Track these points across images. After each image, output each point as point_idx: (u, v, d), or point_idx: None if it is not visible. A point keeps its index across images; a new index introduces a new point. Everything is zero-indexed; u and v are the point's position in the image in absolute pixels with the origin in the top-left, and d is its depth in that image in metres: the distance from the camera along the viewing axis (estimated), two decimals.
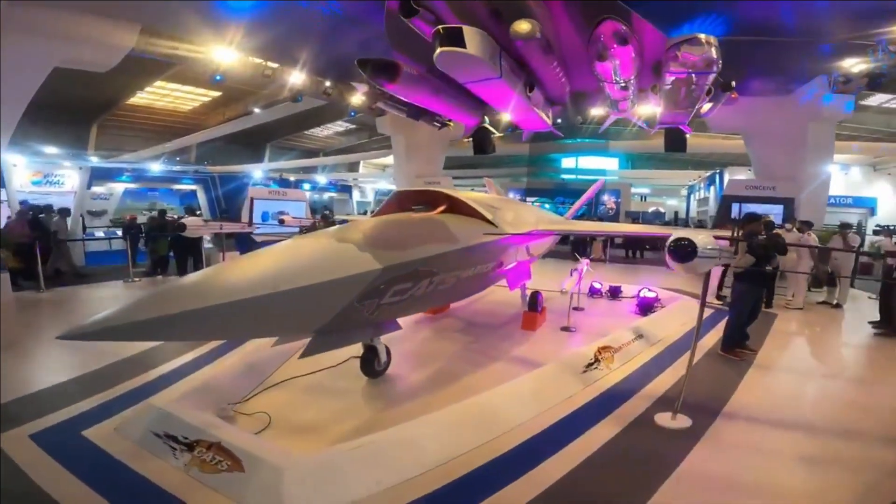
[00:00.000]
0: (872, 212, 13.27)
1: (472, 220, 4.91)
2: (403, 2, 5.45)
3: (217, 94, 18.59)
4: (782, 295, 8.57)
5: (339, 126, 26.91)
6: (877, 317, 7.03)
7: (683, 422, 3.76)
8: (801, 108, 10.43)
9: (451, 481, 2.91)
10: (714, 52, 6.01)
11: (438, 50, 5.49)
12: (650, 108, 9.48)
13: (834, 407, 4.35)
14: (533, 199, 21.55)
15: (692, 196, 19.38)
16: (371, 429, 3.38)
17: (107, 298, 8.44)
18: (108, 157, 18.83)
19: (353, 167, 31.98)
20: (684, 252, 3.30)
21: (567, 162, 27.96)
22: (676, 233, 3.53)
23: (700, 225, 17.10)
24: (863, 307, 8.57)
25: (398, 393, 4.33)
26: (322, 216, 11.24)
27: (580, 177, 25.70)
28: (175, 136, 19.94)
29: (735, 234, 5.11)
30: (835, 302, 8.59)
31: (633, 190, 23.88)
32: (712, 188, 15.84)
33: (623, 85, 7.40)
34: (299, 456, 2.97)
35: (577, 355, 4.92)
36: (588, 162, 27.29)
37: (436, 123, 12.41)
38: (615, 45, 5.84)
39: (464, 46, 5.41)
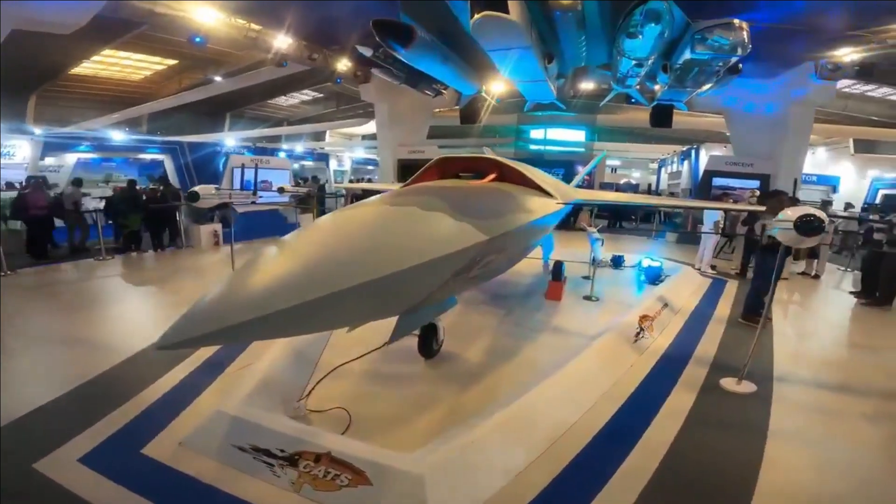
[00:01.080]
0: (835, 189, 14.34)
1: (532, 191, 4.82)
2: None
3: (173, 62, 17.23)
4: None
5: (306, 95, 25.78)
6: (854, 287, 7.66)
7: (749, 387, 3.99)
8: (785, 92, 10.95)
9: (574, 456, 2.94)
10: (746, 37, 6.13)
11: (479, 14, 5.23)
12: (655, 86, 9.59)
13: (861, 369, 4.74)
14: None
15: (663, 169, 20.15)
16: (459, 415, 3.24)
17: (70, 282, 7.68)
18: (54, 128, 17.10)
19: (318, 137, 30.83)
20: (812, 227, 3.43)
21: (535, 133, 28.38)
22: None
23: (673, 196, 17.95)
24: (836, 278, 9.35)
25: (463, 373, 4.11)
26: (314, 181, 10.72)
27: (555, 148, 26.04)
28: (125, 105, 18.38)
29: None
30: (814, 273, 9.26)
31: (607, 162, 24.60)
32: (686, 163, 16.47)
33: (638, 62, 7.41)
34: (430, 457, 2.66)
35: (625, 325, 5.05)
36: (557, 134, 27.81)
37: (427, 92, 12.05)
38: (650, 24, 5.80)
39: (506, 12, 5.18)
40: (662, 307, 6.00)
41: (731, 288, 7.87)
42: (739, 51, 6.42)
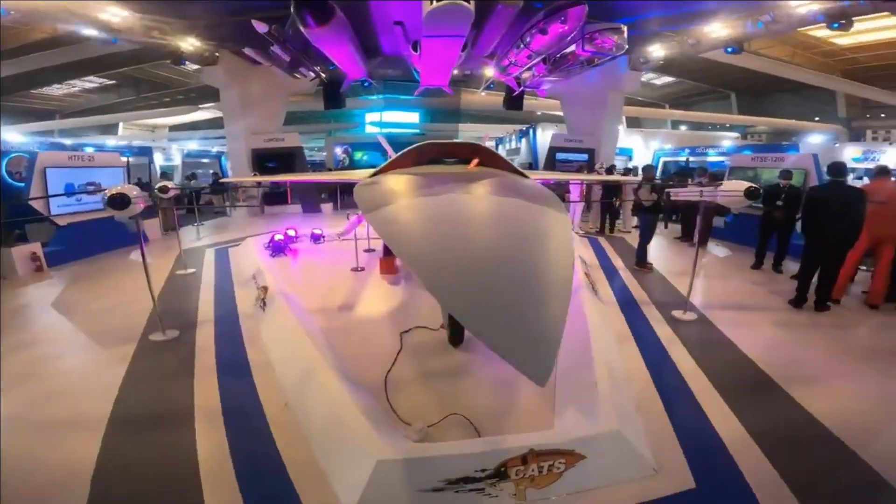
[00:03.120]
0: (630, 158, 18.53)
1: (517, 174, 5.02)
2: None
3: None
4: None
5: (90, 82, 20.80)
6: (677, 235, 10.34)
7: (693, 315, 5.35)
8: (604, 80, 13.64)
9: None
10: (625, 41, 7.58)
11: (443, 2, 5.32)
12: (525, 74, 10.87)
13: (743, 290, 6.64)
14: (362, 153, 21.47)
15: (500, 147, 22.89)
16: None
17: None
18: None
19: (108, 129, 25.23)
20: (754, 194, 4.84)
21: (371, 116, 28.53)
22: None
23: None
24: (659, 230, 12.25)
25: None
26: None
27: (394, 130, 26.48)
28: None
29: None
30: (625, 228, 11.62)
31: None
32: (524, 140, 19.05)
33: (534, 55, 8.41)
34: (606, 414, 2.94)
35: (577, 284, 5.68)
36: (392, 116, 28.45)
37: (294, 74, 11.18)
38: (565, 23, 6.73)
39: (468, 1, 5.41)
40: (587, 265, 7.19)
41: (605, 242, 9.76)
42: (617, 51, 7.94)
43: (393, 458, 2.57)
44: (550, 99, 15.47)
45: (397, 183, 3.81)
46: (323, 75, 11.33)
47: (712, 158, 16.04)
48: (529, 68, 9.65)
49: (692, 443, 3.11)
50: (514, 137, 21.58)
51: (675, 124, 26.50)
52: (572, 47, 8.12)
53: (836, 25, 8.36)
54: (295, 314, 4.76)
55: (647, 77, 20.98)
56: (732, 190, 5.11)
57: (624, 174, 13.96)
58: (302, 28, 6.77)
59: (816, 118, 23.71)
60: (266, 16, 7.56)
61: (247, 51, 9.61)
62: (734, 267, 7.97)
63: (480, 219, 2.79)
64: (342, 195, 15.64)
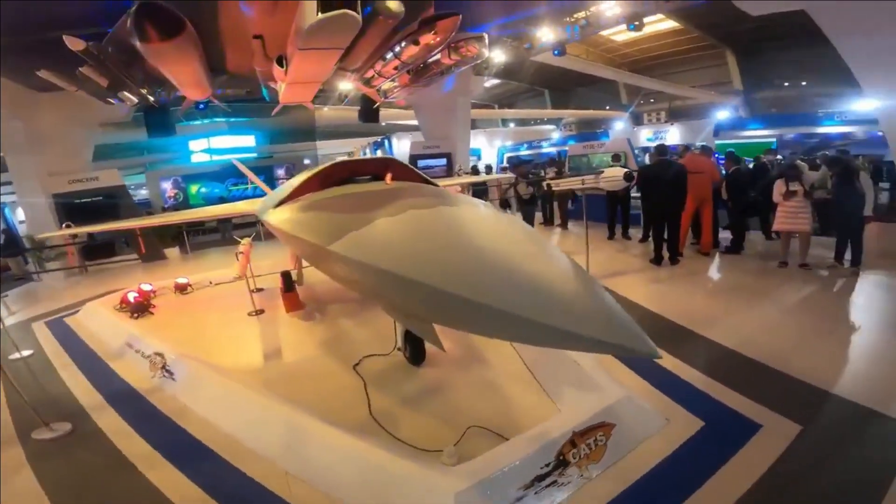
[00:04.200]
0: (479, 157, 20.00)
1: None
2: None
3: None
4: None
5: None
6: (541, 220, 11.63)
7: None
8: (452, 86, 14.39)
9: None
10: (487, 48, 8.06)
11: (332, 13, 4.95)
12: (385, 85, 10.81)
13: (613, 259, 7.73)
14: (198, 185, 18.85)
15: None
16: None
17: None
18: None
19: None
20: (631, 177, 5.52)
21: (196, 144, 25.26)
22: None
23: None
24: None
25: (469, 355, 4.29)
26: None
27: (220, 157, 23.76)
28: None
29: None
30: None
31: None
32: (380, 151, 19.14)
33: (400, 65, 8.44)
34: (612, 387, 3.35)
35: None
36: (223, 141, 25.62)
37: (108, 99, 9.23)
38: (437, 34, 6.88)
39: (355, 10, 5.13)
40: None
41: None
42: (479, 58, 8.42)
43: (467, 486, 2.45)
44: (402, 109, 15.76)
45: (341, 206, 3.45)
46: (151, 98, 9.56)
47: (547, 150, 18.34)
48: (393, 79, 9.65)
49: (671, 392, 3.58)
50: (368, 150, 21.45)
51: (505, 122, 29.54)
52: (438, 56, 8.38)
53: (632, 27, 10.24)
54: (226, 376, 4.09)
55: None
56: (613, 176, 5.92)
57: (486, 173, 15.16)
58: (139, 43, 5.61)
59: (607, 107, 28.87)
60: (77, 33, 6.06)
61: (43, 73, 7.54)
62: (594, 241, 9.23)
63: (458, 227, 2.62)
64: (192, 235, 13.59)
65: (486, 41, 8.07)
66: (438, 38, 7.13)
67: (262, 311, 6.10)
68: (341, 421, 3.19)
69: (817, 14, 7.01)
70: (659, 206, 7.05)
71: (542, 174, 10.79)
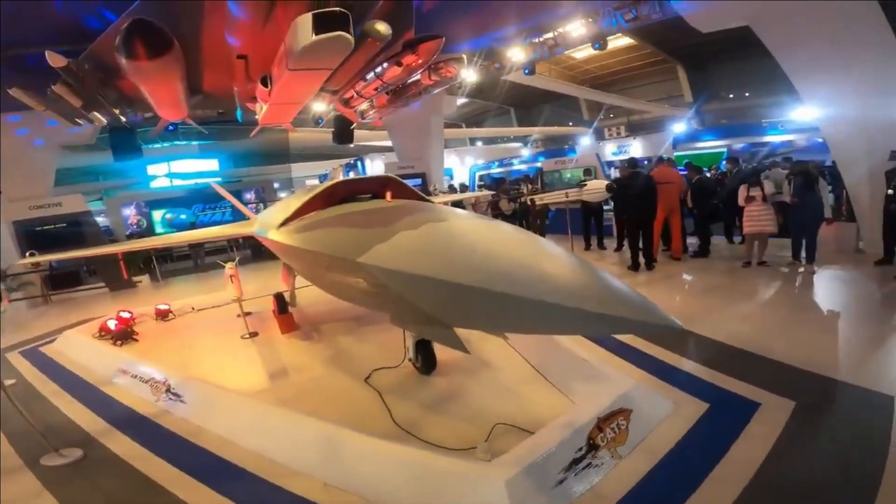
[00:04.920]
0: (451, 177, 20.35)
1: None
2: None
3: None
4: None
5: None
6: None
7: None
8: (426, 105, 14.71)
9: None
10: (466, 68, 8.35)
11: (328, 34, 5.08)
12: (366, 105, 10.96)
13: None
14: (164, 210, 18.19)
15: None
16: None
17: None
18: None
19: None
20: (611, 189, 5.77)
21: (156, 168, 24.44)
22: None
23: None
24: None
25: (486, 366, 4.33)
26: None
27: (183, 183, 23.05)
28: None
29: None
30: None
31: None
32: (353, 173, 19.14)
33: (381, 85, 8.61)
34: (621, 377, 3.62)
35: None
36: (185, 165, 24.90)
37: (77, 120, 8.99)
38: (419, 56, 7.11)
39: (349, 31, 5.28)
40: None
41: None
42: (457, 79, 8.71)
43: (515, 473, 2.59)
44: (374, 130, 15.93)
45: (357, 221, 3.53)
46: (123, 119, 9.30)
47: (518, 167, 18.89)
48: (371, 100, 9.81)
49: (673, 380, 3.86)
50: (341, 172, 21.42)
51: (472, 141, 30.21)
52: (418, 76, 8.61)
53: (597, 46, 10.81)
54: (242, 395, 4.11)
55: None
56: (597, 188, 6.30)
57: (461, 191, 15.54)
58: (125, 60, 5.55)
59: (570, 123, 30.07)
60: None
61: (14, 92, 7.26)
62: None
63: (477, 234, 2.81)
64: (161, 262, 13.17)
65: (465, 62, 8.37)
66: (421, 60, 7.35)
67: (255, 334, 6.03)
68: (367, 431, 3.24)
69: (761, 29, 7.69)
70: (633, 216, 7.48)
71: (522, 190, 11.20)
